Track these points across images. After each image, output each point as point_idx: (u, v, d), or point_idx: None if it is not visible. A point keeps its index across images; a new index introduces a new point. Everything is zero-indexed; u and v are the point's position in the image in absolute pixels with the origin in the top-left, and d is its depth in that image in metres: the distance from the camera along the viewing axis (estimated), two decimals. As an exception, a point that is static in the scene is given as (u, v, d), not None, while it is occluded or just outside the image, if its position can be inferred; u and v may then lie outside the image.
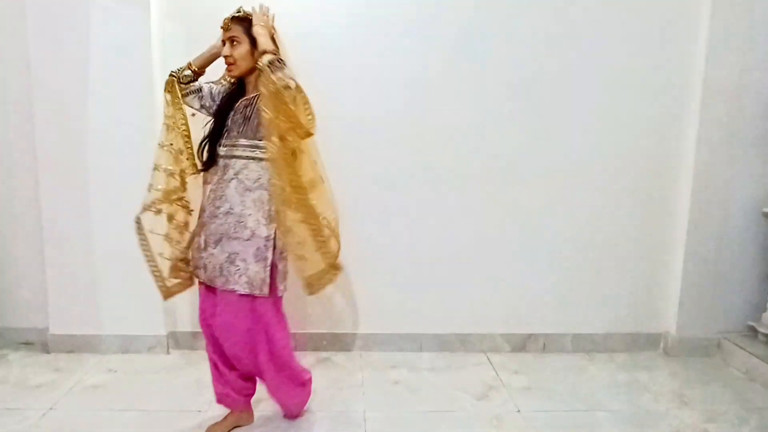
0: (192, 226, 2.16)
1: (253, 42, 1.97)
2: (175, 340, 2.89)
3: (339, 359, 2.84)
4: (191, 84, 2.11)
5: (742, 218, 2.91)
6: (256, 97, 2.00)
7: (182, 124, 2.13)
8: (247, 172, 1.98)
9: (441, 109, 2.78)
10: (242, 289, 1.97)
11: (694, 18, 2.75)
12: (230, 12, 2.01)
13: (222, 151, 2.03)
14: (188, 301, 2.86)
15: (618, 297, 2.97)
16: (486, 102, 2.79)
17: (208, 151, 2.08)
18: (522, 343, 2.97)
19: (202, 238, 2.04)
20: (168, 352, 2.84)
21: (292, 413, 2.26)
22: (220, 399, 2.18)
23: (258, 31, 1.96)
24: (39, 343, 2.87)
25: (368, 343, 2.94)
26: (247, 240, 1.97)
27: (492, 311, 2.95)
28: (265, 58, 1.87)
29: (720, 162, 2.82)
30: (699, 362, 2.88)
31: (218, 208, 2.00)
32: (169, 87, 2.11)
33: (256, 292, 1.98)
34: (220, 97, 2.12)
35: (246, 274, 1.97)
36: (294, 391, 2.21)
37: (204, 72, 2.16)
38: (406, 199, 2.85)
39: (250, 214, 1.97)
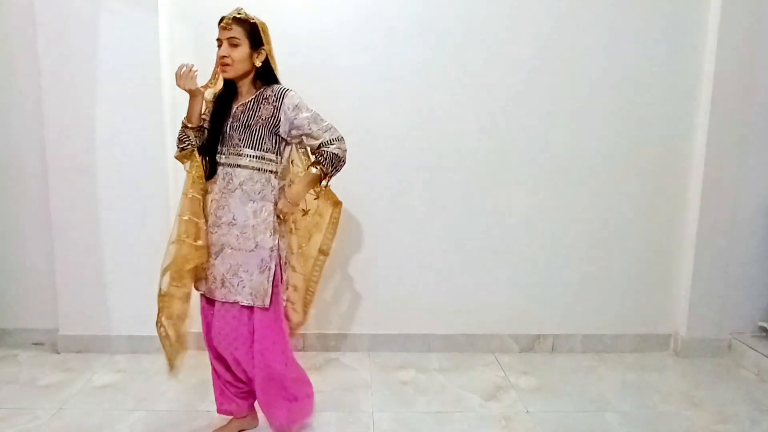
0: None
1: (253, 45, 1.90)
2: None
3: (347, 359, 2.84)
4: (197, 133, 2.00)
5: (752, 218, 2.88)
6: (252, 101, 1.95)
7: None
8: (251, 183, 1.92)
9: (448, 111, 2.78)
10: (245, 301, 1.94)
11: (703, 16, 2.74)
12: (229, 12, 1.89)
13: (222, 159, 1.95)
14: (195, 302, 2.87)
15: (628, 297, 2.95)
16: (494, 103, 2.78)
17: (209, 162, 1.97)
18: (531, 344, 2.95)
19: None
20: (176, 353, 2.85)
21: (281, 429, 2.12)
22: (222, 406, 2.15)
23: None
24: (49, 343, 2.89)
25: (376, 343, 2.93)
26: (251, 251, 1.93)
27: (500, 311, 2.94)
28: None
29: (730, 161, 2.80)
30: (709, 363, 2.86)
31: (220, 218, 1.94)
32: (187, 157, 2.01)
33: (258, 304, 1.95)
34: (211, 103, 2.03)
35: (249, 285, 1.94)
36: (281, 404, 2.07)
37: (202, 121, 2.01)
38: (413, 200, 2.84)
39: (254, 225, 1.93)
